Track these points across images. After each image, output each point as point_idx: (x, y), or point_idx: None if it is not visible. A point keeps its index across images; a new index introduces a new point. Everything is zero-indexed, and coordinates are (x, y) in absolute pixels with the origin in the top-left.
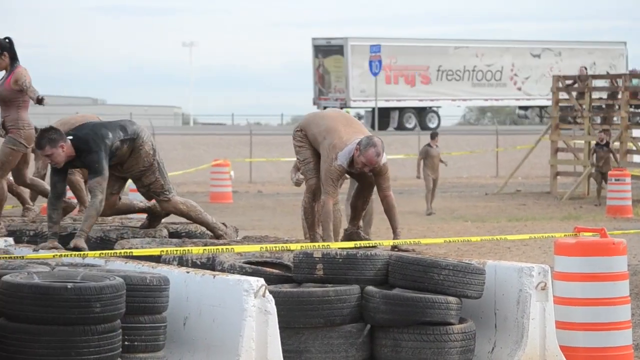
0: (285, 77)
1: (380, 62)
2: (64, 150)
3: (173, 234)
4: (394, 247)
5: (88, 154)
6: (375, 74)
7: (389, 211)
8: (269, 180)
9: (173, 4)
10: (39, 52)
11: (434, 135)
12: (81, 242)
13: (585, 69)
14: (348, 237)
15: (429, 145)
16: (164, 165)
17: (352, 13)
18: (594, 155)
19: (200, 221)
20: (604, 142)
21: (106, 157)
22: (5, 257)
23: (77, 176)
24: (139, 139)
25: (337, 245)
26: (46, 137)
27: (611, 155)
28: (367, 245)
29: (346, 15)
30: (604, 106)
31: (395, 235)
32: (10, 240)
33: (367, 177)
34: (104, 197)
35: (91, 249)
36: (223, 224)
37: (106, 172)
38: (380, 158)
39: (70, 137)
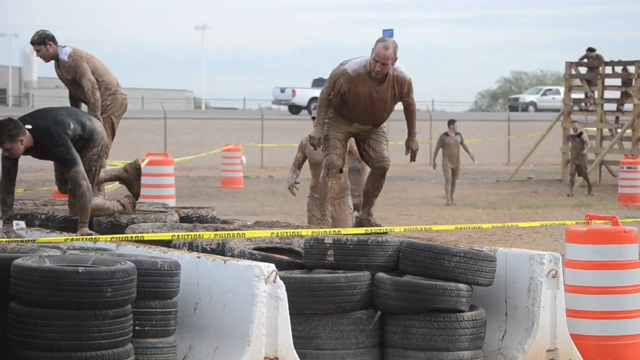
0: (298, 61)
1: None
2: (22, 144)
3: (184, 219)
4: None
5: (54, 147)
6: None
7: (409, 117)
8: (280, 165)
9: None
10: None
11: (450, 123)
12: (85, 231)
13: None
14: (359, 223)
15: (445, 133)
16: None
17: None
18: (570, 145)
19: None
20: (578, 132)
21: (72, 145)
22: (17, 241)
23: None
24: (92, 141)
25: (348, 231)
26: (6, 132)
27: (584, 145)
28: (378, 231)
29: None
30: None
31: (411, 137)
32: (22, 223)
33: (375, 159)
34: (88, 181)
35: (102, 233)
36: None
37: (79, 159)
38: (389, 52)
39: (29, 127)
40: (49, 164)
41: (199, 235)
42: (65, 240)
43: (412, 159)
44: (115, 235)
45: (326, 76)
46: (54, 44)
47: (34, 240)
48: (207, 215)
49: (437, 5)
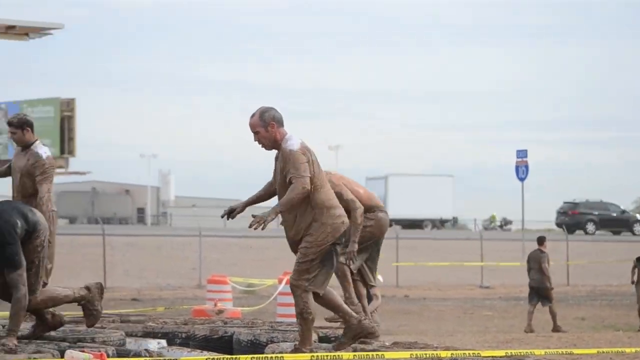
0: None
1: (527, 167)
2: None
3: (323, 339)
4: None
5: (5, 245)
6: (521, 179)
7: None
8: (415, 284)
9: (321, 108)
10: (193, 158)
11: (540, 241)
12: (12, 341)
13: None
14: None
15: (537, 250)
16: (43, 264)
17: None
18: (636, 271)
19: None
20: None
21: (20, 247)
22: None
23: None
24: (35, 232)
25: (487, 354)
26: None
27: None
28: (519, 353)
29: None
30: None
31: (273, 209)
32: (163, 342)
33: None
34: (26, 289)
35: (242, 352)
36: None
37: (24, 263)
38: (252, 119)
39: None
40: (187, 282)
41: (338, 355)
42: (206, 359)
43: (251, 224)
44: (255, 356)
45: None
46: (31, 131)
47: (177, 359)
48: None
49: (570, 126)
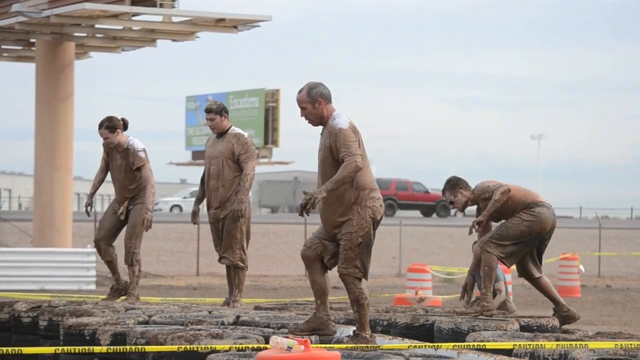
0: (637, 170)
1: None
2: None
3: (524, 328)
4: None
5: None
6: None
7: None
8: (618, 275)
9: (525, 97)
10: (392, 143)
11: None
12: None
13: None
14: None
15: None
16: None
17: None
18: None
19: None
20: None
21: None
22: (361, 347)
23: None
24: None
25: None
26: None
27: None
28: None
29: None
30: None
31: (322, 188)
32: None
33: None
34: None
35: (443, 340)
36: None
37: None
38: (300, 95)
39: None
40: (387, 270)
41: (541, 345)
42: (408, 347)
43: (300, 212)
44: (457, 344)
45: None
46: (227, 118)
47: (378, 346)
48: (548, 324)
49: None
